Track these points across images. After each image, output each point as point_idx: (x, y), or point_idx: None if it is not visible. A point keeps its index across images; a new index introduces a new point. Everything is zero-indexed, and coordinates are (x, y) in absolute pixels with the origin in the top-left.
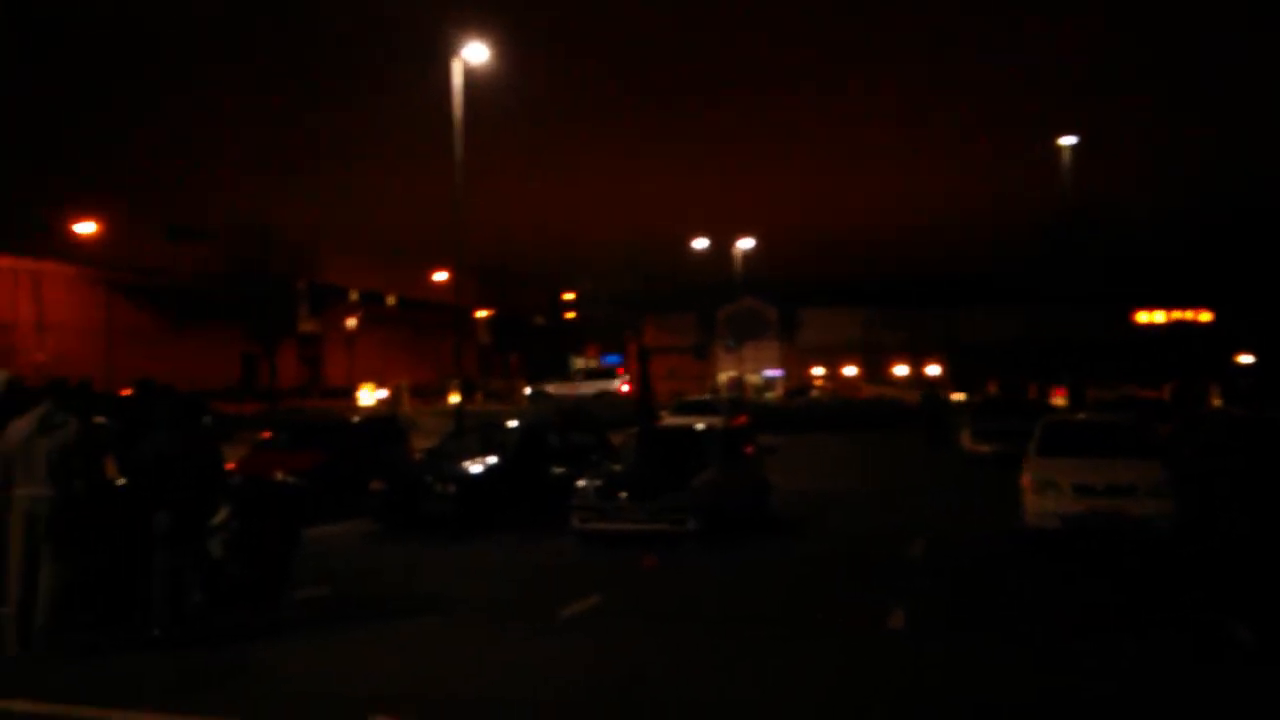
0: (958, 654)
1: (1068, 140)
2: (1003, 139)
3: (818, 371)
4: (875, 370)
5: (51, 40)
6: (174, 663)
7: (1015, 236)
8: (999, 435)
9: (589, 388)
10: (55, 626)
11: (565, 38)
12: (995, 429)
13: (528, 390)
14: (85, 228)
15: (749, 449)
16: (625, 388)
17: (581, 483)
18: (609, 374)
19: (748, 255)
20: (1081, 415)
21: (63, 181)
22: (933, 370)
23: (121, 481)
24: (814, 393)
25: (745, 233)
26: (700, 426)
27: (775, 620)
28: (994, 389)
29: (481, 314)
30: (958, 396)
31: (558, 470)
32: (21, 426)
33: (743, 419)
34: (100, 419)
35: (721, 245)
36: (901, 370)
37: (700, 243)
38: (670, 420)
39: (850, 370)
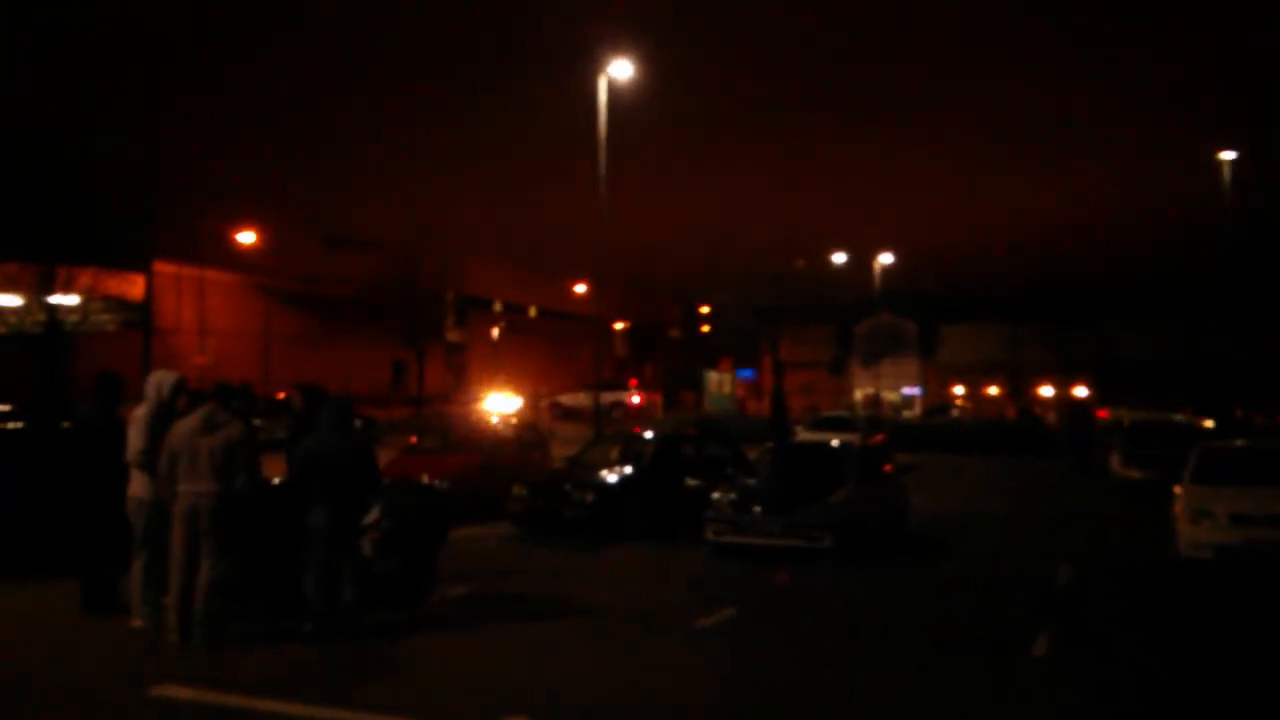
0: (1102, 685)
1: (1228, 155)
2: (1158, 150)
3: (958, 390)
4: (1020, 389)
5: (218, 56)
6: (324, 656)
7: (1172, 250)
8: (1151, 460)
9: (603, 398)
10: (213, 617)
11: (708, 52)
12: (1148, 454)
13: (546, 402)
14: (246, 237)
15: (888, 467)
16: (636, 399)
17: (716, 495)
18: (621, 385)
19: (887, 269)
20: (1240, 441)
21: (225, 193)
22: (1080, 391)
23: (278, 480)
24: (954, 412)
25: (886, 247)
26: (837, 442)
27: (912, 641)
28: (1146, 412)
29: (619, 325)
30: (1114, 414)
31: (692, 482)
32: (187, 426)
33: (880, 437)
34: (258, 420)
35: (861, 259)
36: (1047, 390)
37: (839, 257)
38: (806, 436)
39: (993, 389)
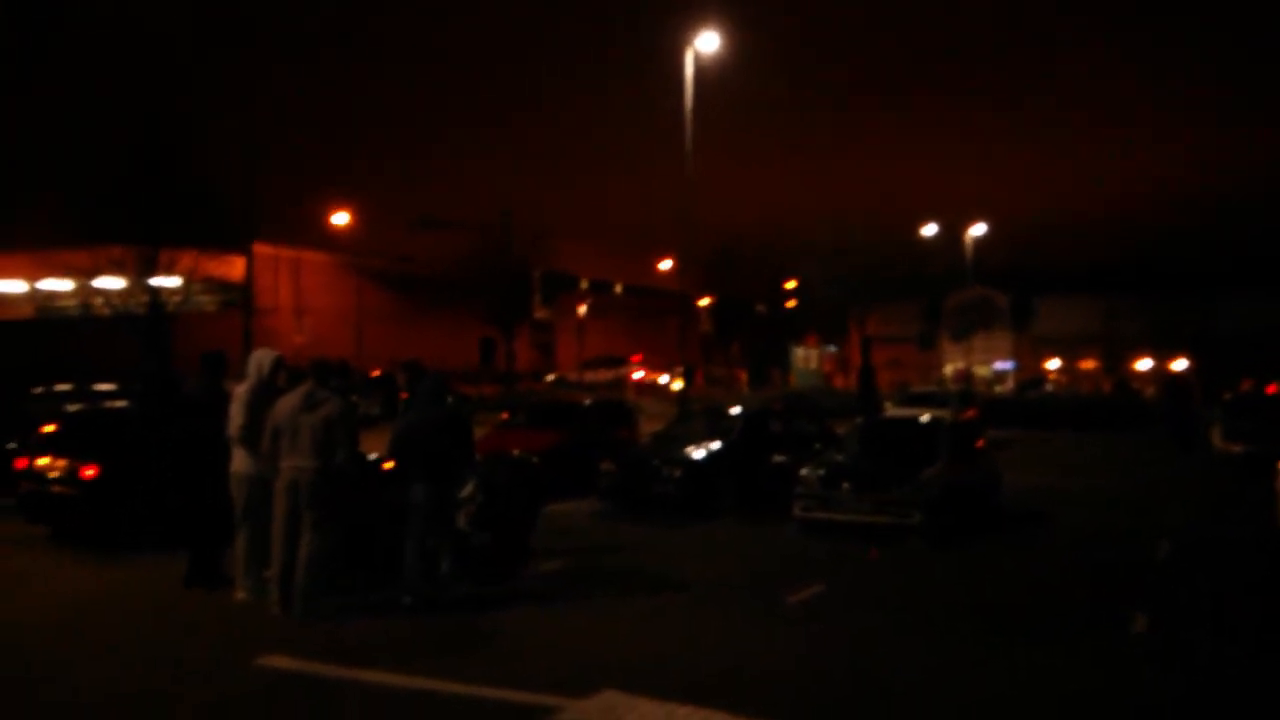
0: (1203, 662)
1: None
2: (1260, 116)
3: (1053, 364)
4: (1115, 363)
5: (313, 41)
6: (421, 628)
7: (1275, 220)
8: (1253, 435)
9: (606, 374)
10: (314, 590)
11: (798, 24)
12: (1249, 428)
13: (550, 377)
14: (340, 218)
15: (980, 443)
16: (639, 374)
17: (804, 471)
18: (623, 361)
19: (979, 241)
20: None
21: (320, 175)
22: (1179, 364)
23: (374, 455)
24: (1049, 386)
25: (977, 218)
26: (927, 418)
27: (1005, 618)
28: (1248, 385)
29: (704, 301)
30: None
31: (780, 458)
32: (289, 403)
33: (972, 412)
34: (355, 397)
35: (952, 231)
36: (1145, 364)
37: (929, 229)
38: (895, 411)
39: (1088, 363)
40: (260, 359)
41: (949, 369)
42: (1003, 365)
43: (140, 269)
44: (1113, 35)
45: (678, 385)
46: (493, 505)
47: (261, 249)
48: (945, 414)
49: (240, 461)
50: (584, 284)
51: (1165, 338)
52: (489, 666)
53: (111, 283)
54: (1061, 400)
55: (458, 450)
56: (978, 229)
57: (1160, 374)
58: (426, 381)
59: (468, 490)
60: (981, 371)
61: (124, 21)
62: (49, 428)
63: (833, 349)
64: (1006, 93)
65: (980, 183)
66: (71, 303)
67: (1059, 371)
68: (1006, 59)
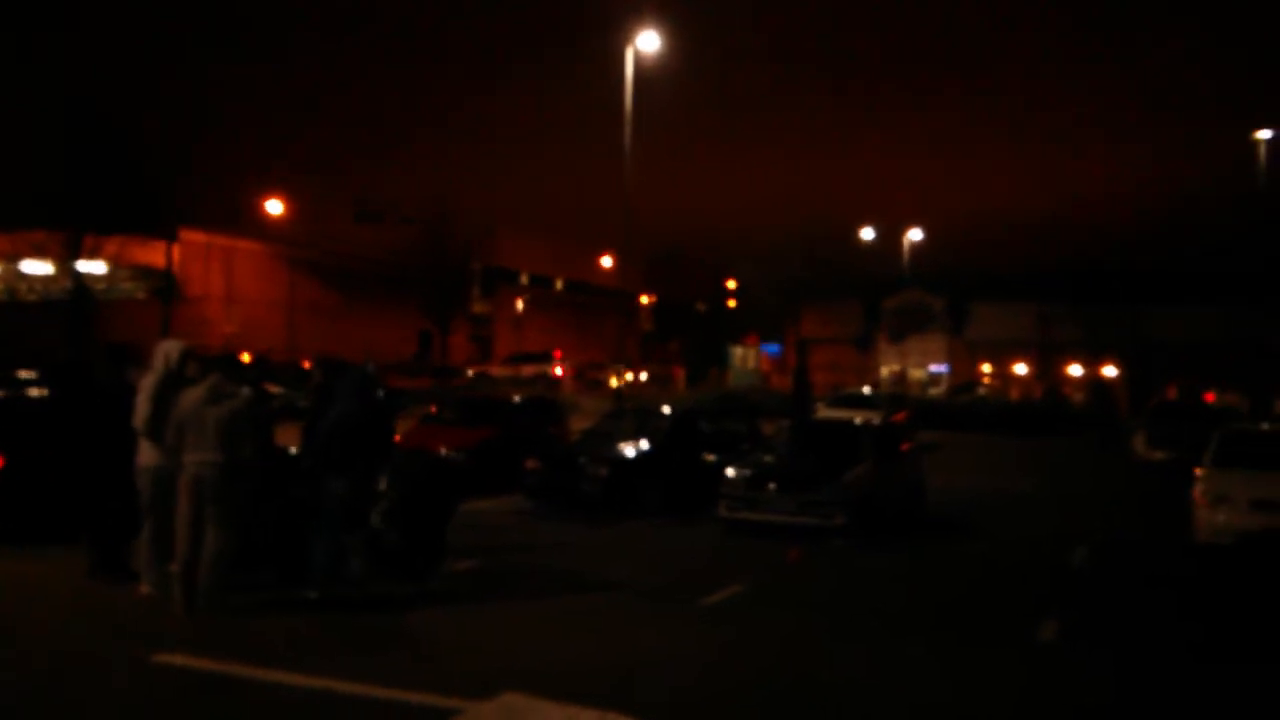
0: (1105, 673)
1: (1264, 134)
2: (1194, 129)
3: (986, 368)
4: (1048, 369)
5: (249, 25)
6: (327, 626)
7: (1206, 231)
8: (1175, 442)
9: (527, 370)
10: (217, 587)
11: (738, 25)
12: (1171, 435)
13: (471, 372)
14: (274, 207)
15: (905, 445)
16: (559, 371)
17: (730, 472)
18: (546, 358)
19: (916, 245)
20: (1265, 426)
21: (254, 162)
22: (1109, 371)
23: (294, 450)
24: (981, 390)
25: (915, 222)
26: (856, 420)
27: (917, 623)
28: (1173, 393)
29: (645, 299)
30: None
31: (709, 457)
32: (194, 396)
33: (903, 415)
34: (275, 387)
35: (890, 235)
36: (1076, 370)
37: (867, 232)
38: (826, 413)
39: (1021, 368)
40: (168, 349)
41: (885, 371)
42: (937, 368)
43: (65, 254)
44: (1049, 44)
45: (614, 382)
46: (407, 502)
47: (192, 236)
48: (875, 416)
49: (146, 454)
50: (524, 278)
51: (1097, 345)
52: (392, 667)
53: (36, 267)
54: (992, 404)
55: (377, 446)
56: (915, 233)
57: (1089, 380)
58: (349, 375)
59: (380, 486)
60: (917, 374)
61: (54, 3)
62: None
63: (772, 349)
64: (944, 98)
65: (918, 187)
66: None
67: (992, 376)
68: (944, 64)
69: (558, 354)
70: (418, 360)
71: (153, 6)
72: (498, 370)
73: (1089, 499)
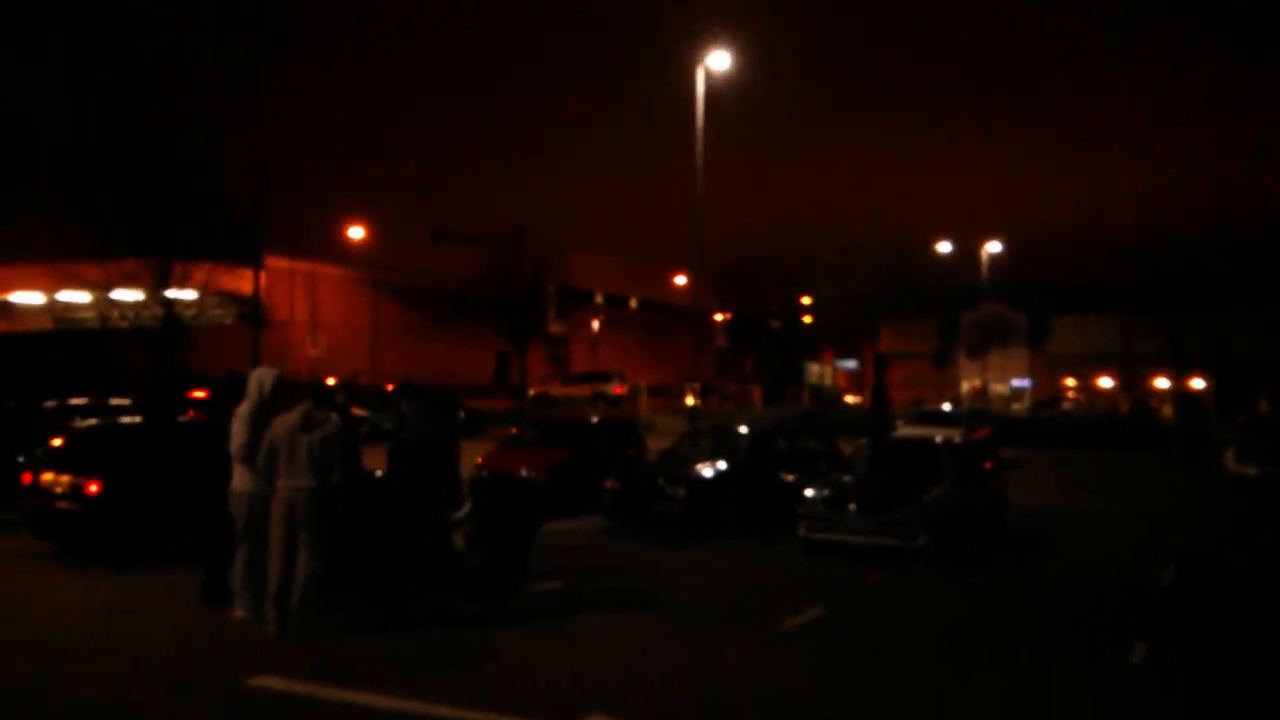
0: (1198, 695)
1: None
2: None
3: (1069, 382)
4: (1133, 382)
5: (329, 57)
6: (414, 648)
7: None
8: (1266, 457)
9: (586, 390)
10: (309, 610)
11: (813, 41)
12: (1263, 450)
13: (532, 392)
14: (355, 232)
15: (988, 464)
16: (618, 390)
17: (810, 492)
18: (605, 377)
19: (995, 258)
20: None
21: (337, 189)
22: (1197, 384)
23: (380, 473)
24: (1065, 405)
25: (993, 235)
26: (937, 439)
27: (1003, 646)
28: (1265, 407)
29: (719, 317)
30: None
31: (787, 477)
32: (286, 422)
33: (984, 431)
34: (361, 410)
35: (968, 249)
36: (1163, 383)
37: (944, 246)
38: (906, 431)
39: (1105, 382)
40: (262, 377)
41: (965, 386)
42: (1019, 383)
43: (155, 282)
44: (1134, 55)
45: (690, 401)
46: (490, 524)
47: (276, 262)
48: (955, 434)
49: (240, 479)
50: (598, 298)
51: (1183, 357)
52: (480, 688)
53: (128, 295)
54: (1076, 419)
55: (446, 468)
56: (994, 246)
57: (1177, 393)
58: (421, 400)
59: (464, 510)
60: (998, 389)
61: (139, 38)
62: (55, 442)
63: (849, 365)
64: (1025, 111)
65: (997, 200)
66: (89, 315)
67: (1075, 390)
68: (1025, 77)
69: (630, 381)
70: (496, 381)
71: (235, 44)
72: (557, 390)
73: (1177, 516)
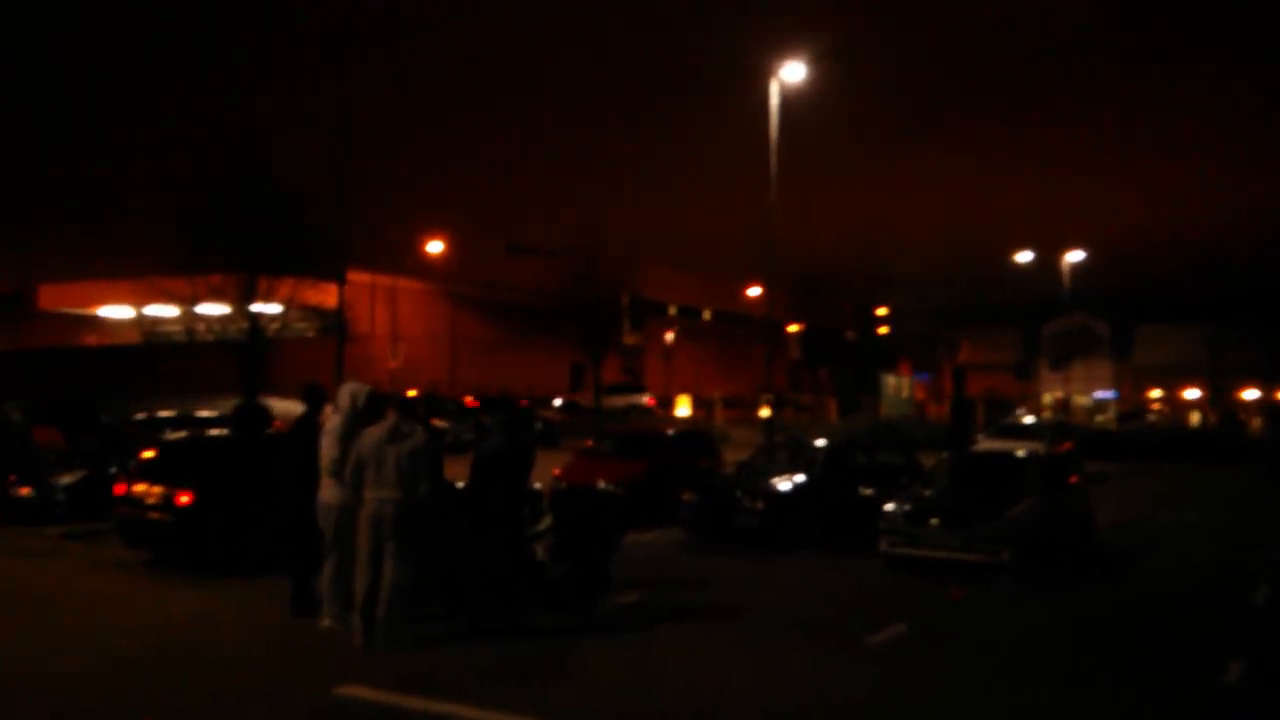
0: None
1: None
2: None
3: (1155, 393)
4: (1220, 393)
5: (406, 70)
6: (498, 659)
7: None
8: None
9: (618, 401)
10: (395, 620)
11: (883, 51)
12: None
13: (557, 402)
14: (434, 246)
15: (1073, 478)
16: (650, 403)
17: (890, 506)
18: (637, 389)
19: (1077, 268)
20: None
21: (414, 202)
22: None
23: (461, 485)
24: (1150, 417)
25: (1074, 244)
26: (1020, 452)
27: (1093, 666)
28: None
29: (793, 328)
30: None
31: (865, 491)
32: (375, 435)
33: (1068, 445)
34: (441, 422)
35: (1048, 257)
36: (1251, 394)
37: (1024, 256)
38: (987, 444)
39: (1191, 393)
40: (354, 391)
41: (1047, 398)
42: (1103, 394)
43: (240, 296)
44: (1217, 55)
45: (764, 413)
46: (572, 536)
47: (357, 276)
48: (1039, 446)
49: (329, 492)
50: (672, 310)
51: (1272, 367)
52: (562, 701)
53: (214, 309)
54: (1162, 432)
55: (522, 480)
56: (1075, 255)
57: (1266, 405)
58: (498, 412)
59: (546, 522)
60: (1081, 401)
61: (223, 57)
62: (147, 454)
63: (925, 377)
64: (1107, 115)
65: (1078, 208)
66: (176, 328)
67: (1161, 401)
68: (1106, 80)
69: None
70: (571, 393)
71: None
72: (588, 400)
73: (1270, 531)
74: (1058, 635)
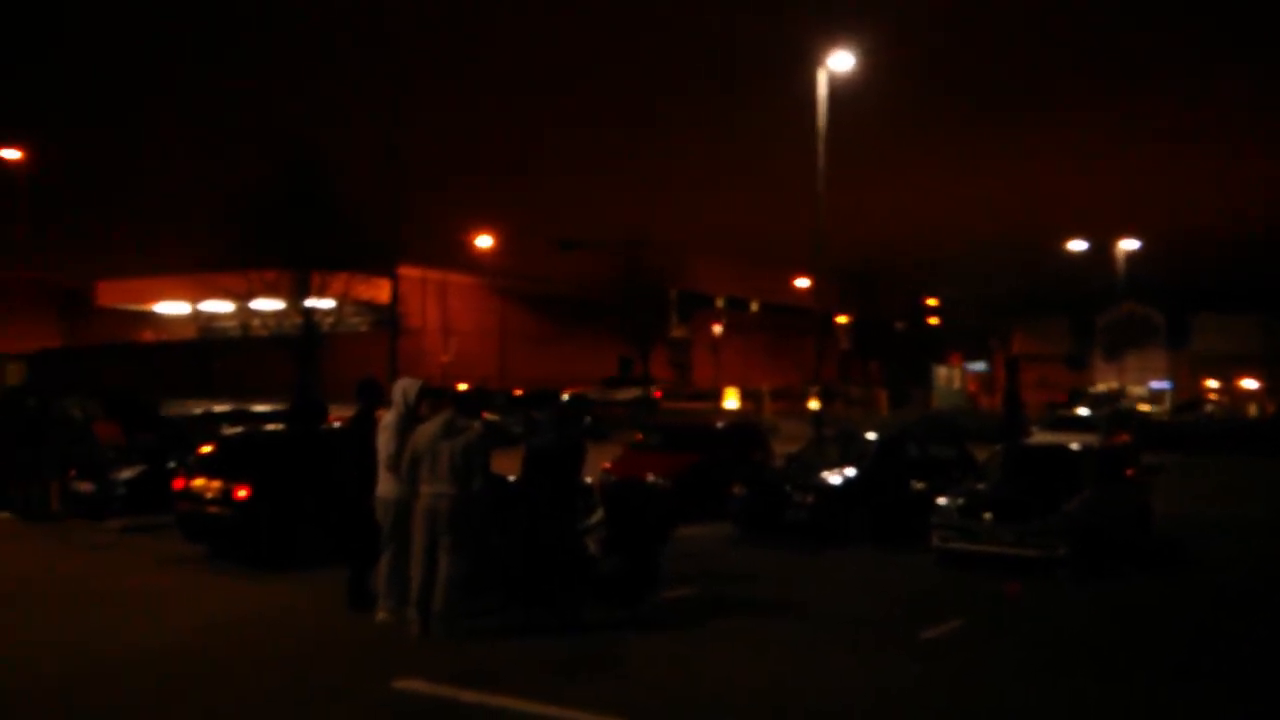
0: None
1: None
2: None
3: (1212, 384)
4: (1278, 383)
5: (451, 68)
6: (552, 652)
7: None
8: None
9: (626, 394)
10: (450, 613)
11: (932, 39)
12: None
13: (566, 395)
14: (483, 241)
15: (1130, 471)
16: (657, 394)
17: (943, 500)
18: (648, 380)
19: (1131, 256)
20: None
21: (462, 197)
22: None
23: (512, 478)
24: (1208, 408)
25: (1129, 233)
26: (1075, 445)
27: (1153, 662)
28: None
29: (842, 319)
30: None
31: (917, 485)
32: (429, 430)
33: (1124, 436)
34: (491, 415)
35: (1102, 246)
36: None
37: (1077, 244)
38: (1041, 436)
39: (1249, 383)
40: (406, 388)
41: (1101, 388)
42: (1158, 385)
43: (294, 291)
44: (1272, 44)
45: (813, 405)
46: (623, 531)
47: (409, 271)
48: (1094, 439)
49: (385, 486)
50: (720, 302)
51: None
52: (616, 694)
53: (268, 304)
54: (1220, 423)
55: (574, 475)
56: (1129, 243)
57: None
58: (550, 407)
59: (597, 516)
60: (1136, 391)
61: (273, 54)
62: (205, 449)
63: (978, 368)
64: (1161, 103)
65: (1132, 195)
66: (231, 324)
67: (1218, 392)
68: (1161, 68)
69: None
70: (618, 385)
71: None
72: (596, 392)
73: None
74: (1116, 632)
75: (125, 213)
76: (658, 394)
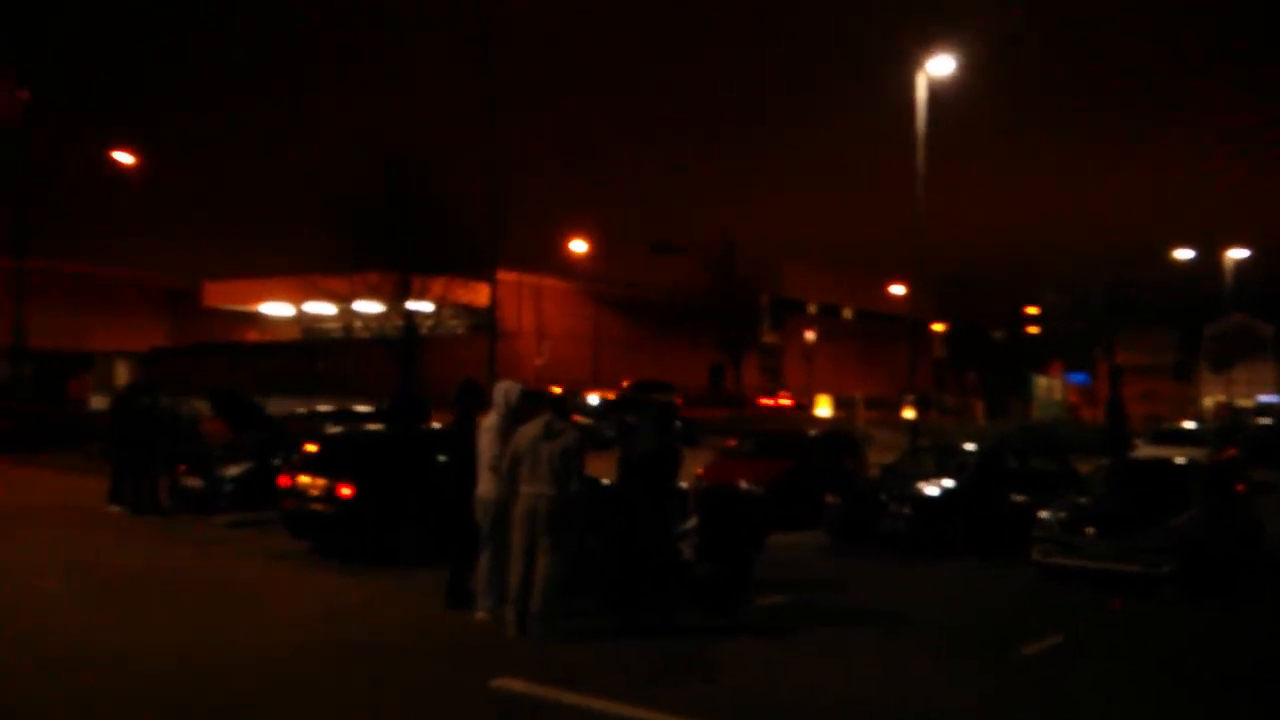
0: None
1: None
2: None
3: None
4: None
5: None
6: (647, 655)
7: None
8: None
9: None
10: (548, 613)
11: (1035, 44)
12: None
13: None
14: (578, 246)
15: (1240, 486)
16: (678, 401)
17: (1044, 514)
18: (667, 387)
19: (1240, 265)
20: None
21: (558, 203)
22: None
23: (607, 482)
24: None
25: (1238, 242)
26: (1181, 460)
27: (1266, 688)
28: None
29: (937, 327)
30: None
31: (1017, 498)
32: (530, 432)
33: (1232, 451)
34: (583, 419)
35: (1209, 256)
36: None
37: (1184, 253)
38: (1146, 450)
39: None
40: (508, 390)
41: (1208, 401)
42: (1268, 398)
43: (395, 294)
44: None
45: (908, 414)
46: (717, 537)
47: (505, 275)
48: (1202, 454)
49: (486, 486)
50: (812, 308)
51: None
52: (710, 700)
53: (370, 307)
54: None
55: (670, 480)
56: (1238, 253)
57: None
58: (647, 413)
59: (692, 521)
60: (1244, 404)
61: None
62: (310, 447)
63: (1080, 379)
64: (1275, 109)
65: (1242, 203)
66: (334, 325)
67: None
68: (1273, 72)
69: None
70: (711, 391)
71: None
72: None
73: None
74: (1224, 653)
75: (232, 215)
76: (679, 400)
